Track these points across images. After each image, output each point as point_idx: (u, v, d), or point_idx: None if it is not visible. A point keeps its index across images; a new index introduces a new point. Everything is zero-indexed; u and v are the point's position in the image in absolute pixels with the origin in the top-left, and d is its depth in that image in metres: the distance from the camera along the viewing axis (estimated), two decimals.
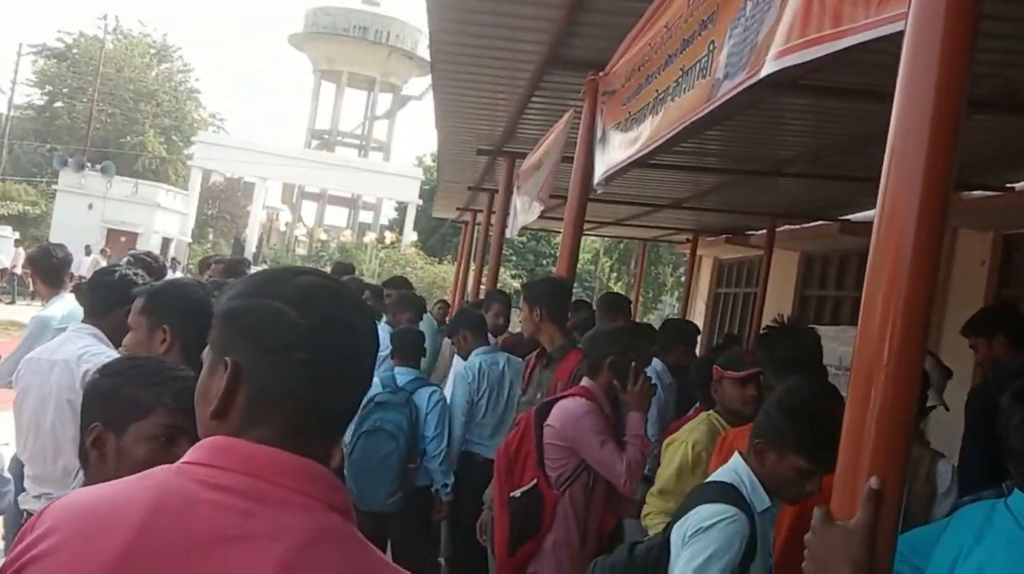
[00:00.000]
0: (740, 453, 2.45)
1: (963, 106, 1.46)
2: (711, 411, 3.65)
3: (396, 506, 4.76)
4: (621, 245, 26.45)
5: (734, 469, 2.41)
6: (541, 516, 3.44)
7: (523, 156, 7.31)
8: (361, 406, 4.75)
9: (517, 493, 3.50)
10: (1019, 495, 1.84)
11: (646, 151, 3.45)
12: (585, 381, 3.59)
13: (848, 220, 9.21)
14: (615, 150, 4.06)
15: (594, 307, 6.56)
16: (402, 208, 42.21)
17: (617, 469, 3.38)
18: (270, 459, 1.14)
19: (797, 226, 10.56)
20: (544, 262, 33.05)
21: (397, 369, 5.07)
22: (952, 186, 1.48)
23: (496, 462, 3.71)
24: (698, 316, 14.83)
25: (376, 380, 4.96)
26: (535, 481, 3.46)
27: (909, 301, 1.46)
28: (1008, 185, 6.98)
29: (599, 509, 3.55)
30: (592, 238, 25.36)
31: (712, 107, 2.57)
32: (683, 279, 16.84)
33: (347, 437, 4.81)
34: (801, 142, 6.43)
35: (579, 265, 29.58)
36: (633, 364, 3.48)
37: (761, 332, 3.24)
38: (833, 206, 9.02)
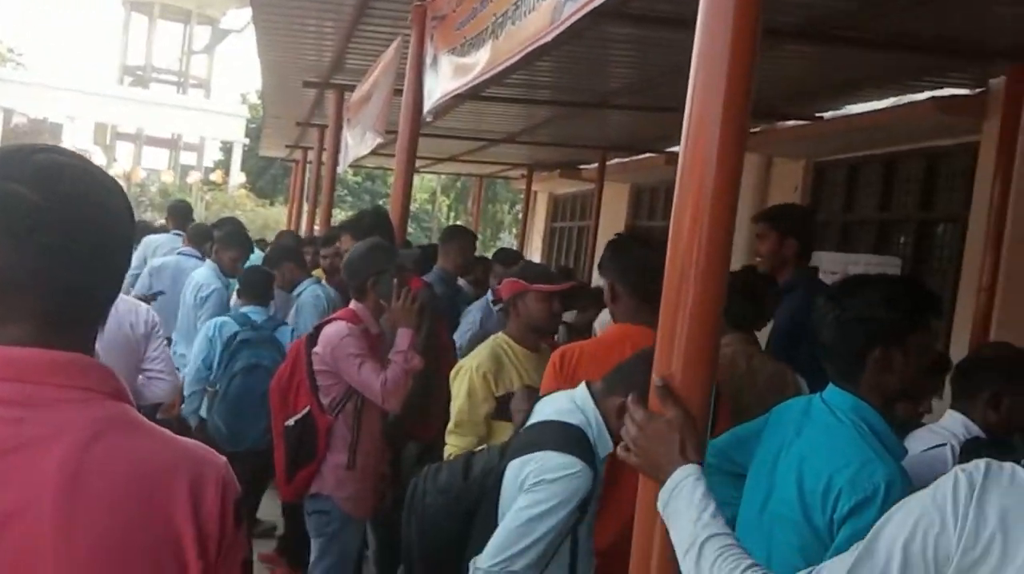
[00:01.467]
0: (589, 385, 2.33)
1: (758, 34, 1.52)
2: (500, 334, 3.53)
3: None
4: (458, 183, 26.43)
5: (581, 408, 2.28)
6: (316, 442, 3.56)
7: (353, 88, 7.11)
8: (224, 345, 4.73)
9: (291, 421, 3.61)
10: (833, 389, 1.99)
11: (488, 76, 3.40)
12: (352, 303, 3.68)
13: (674, 152, 9.55)
14: (450, 78, 3.97)
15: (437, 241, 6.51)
16: (227, 148, 40.43)
17: (374, 388, 3.46)
18: (33, 360, 1.05)
19: (626, 159, 10.85)
20: (381, 202, 32.59)
21: (247, 308, 5.05)
22: (750, 112, 1.55)
23: (270, 393, 3.81)
24: (535, 251, 15.09)
25: (227, 318, 5.00)
26: (308, 408, 3.57)
27: (714, 219, 1.54)
28: (817, 114, 7.40)
29: (373, 430, 3.65)
30: (429, 176, 25.20)
31: (556, 31, 2.49)
32: (520, 216, 17.05)
33: (215, 376, 4.83)
34: (627, 73, 6.56)
35: (416, 204, 29.48)
36: (396, 280, 3.55)
37: (611, 240, 3.14)
38: (660, 138, 9.30)
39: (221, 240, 6.24)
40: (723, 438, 2.32)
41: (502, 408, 3.27)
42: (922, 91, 6.19)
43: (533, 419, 2.39)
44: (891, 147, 7.01)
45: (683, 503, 1.50)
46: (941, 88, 6.07)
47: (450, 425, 3.36)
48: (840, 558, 1.29)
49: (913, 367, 1.91)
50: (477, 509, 2.35)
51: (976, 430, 2.55)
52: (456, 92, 3.93)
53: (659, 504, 1.55)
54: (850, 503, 1.77)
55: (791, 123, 7.71)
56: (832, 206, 7.95)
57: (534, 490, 2.16)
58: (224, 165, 40.23)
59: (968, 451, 2.37)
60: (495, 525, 2.25)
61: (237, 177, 37.84)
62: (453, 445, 3.30)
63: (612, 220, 11.36)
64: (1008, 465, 1.20)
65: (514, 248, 12.27)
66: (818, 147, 7.72)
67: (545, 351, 3.40)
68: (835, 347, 1.99)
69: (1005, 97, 5.09)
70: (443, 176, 24.92)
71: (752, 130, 8.07)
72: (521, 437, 2.38)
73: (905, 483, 1.76)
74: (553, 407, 2.34)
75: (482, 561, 2.18)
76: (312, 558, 3.75)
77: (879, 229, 7.32)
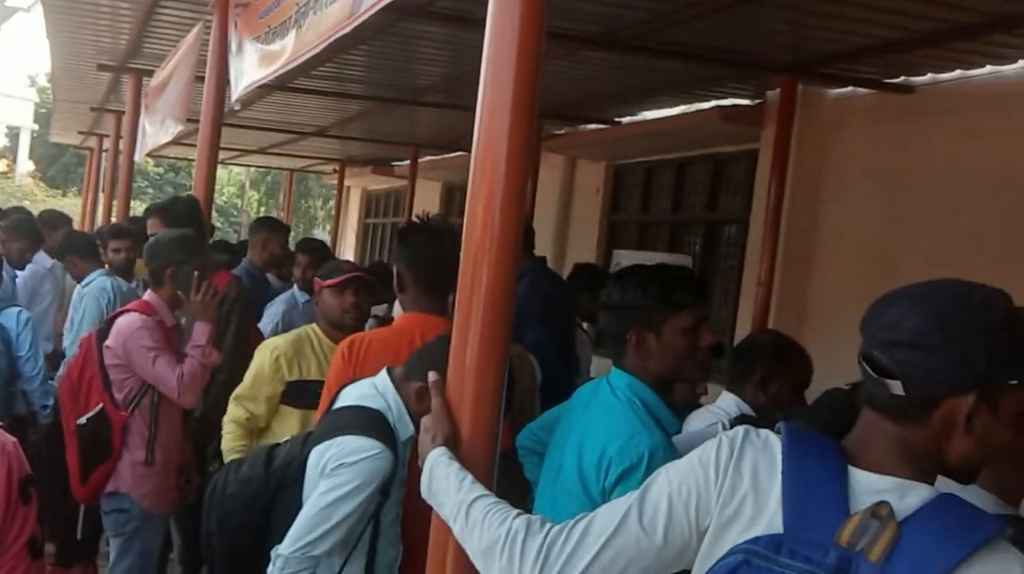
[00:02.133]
0: (390, 371, 2.34)
1: (543, 36, 1.63)
2: (313, 324, 3.58)
3: None
4: (269, 177, 25.68)
5: (382, 393, 2.29)
6: (110, 440, 3.44)
7: (151, 73, 6.81)
8: None
9: (83, 420, 3.47)
10: (614, 369, 2.15)
11: (292, 66, 3.37)
12: (148, 294, 3.59)
13: None
14: (255, 67, 3.90)
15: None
16: (14, 134, 37.38)
17: (169, 383, 3.40)
18: None
19: (438, 156, 10.96)
20: (185, 195, 31.08)
21: None
22: (537, 109, 1.66)
23: (60, 392, 3.66)
24: (348, 247, 14.95)
25: None
26: (100, 405, 3.45)
27: (505, 212, 1.62)
28: (616, 119, 7.78)
29: (172, 424, 3.58)
30: (238, 169, 24.33)
31: (354, 24, 2.50)
32: (333, 212, 16.81)
33: None
34: (437, 71, 6.65)
35: (224, 198, 28.37)
36: (197, 273, 3.48)
37: (401, 229, 3.15)
38: (469, 136, 9.36)
39: (6, 230, 5.85)
40: (536, 421, 2.47)
41: (292, 393, 3.29)
42: (709, 100, 6.66)
43: (335, 406, 2.40)
44: (682, 152, 7.48)
45: (441, 482, 1.57)
46: (725, 98, 6.55)
47: (235, 391, 3.38)
48: (612, 506, 1.39)
49: (671, 349, 2.07)
50: (278, 499, 2.33)
51: (747, 409, 2.80)
52: (263, 81, 3.87)
53: (423, 490, 1.62)
54: (618, 471, 1.92)
55: (593, 127, 8.06)
56: (631, 207, 8.39)
57: (334, 474, 2.17)
58: (11, 152, 37.17)
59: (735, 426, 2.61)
60: (296, 515, 2.23)
61: (25, 165, 35.07)
62: (228, 414, 3.37)
63: None
64: (764, 432, 1.35)
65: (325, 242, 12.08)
66: (617, 150, 8.11)
67: None
68: (605, 331, 2.20)
69: (780, 108, 5.58)
70: (253, 169, 24.15)
71: (556, 132, 8.40)
72: (322, 424, 2.38)
73: (669, 453, 1.90)
74: (355, 393, 2.36)
75: (283, 548, 2.17)
76: (111, 559, 3.59)
77: (672, 229, 7.80)
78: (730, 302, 6.77)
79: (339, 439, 2.20)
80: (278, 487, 2.35)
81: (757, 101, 6.42)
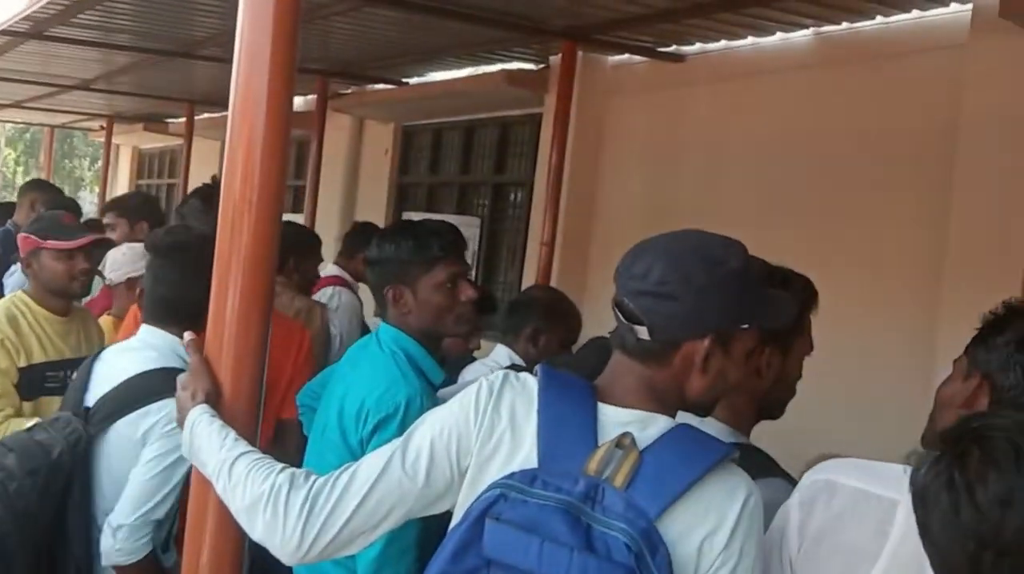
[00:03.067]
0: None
1: None
2: (17, 292, 3.11)
3: None
4: (28, 134, 23.63)
5: (174, 351, 2.20)
6: None
7: None
8: None
9: None
10: (383, 324, 2.15)
11: (33, 10, 3.08)
12: None
13: None
14: None
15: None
16: None
17: None
18: None
19: (217, 114, 10.44)
20: None
21: None
22: (295, 66, 1.61)
23: None
24: None
25: None
26: None
27: (265, 171, 1.57)
28: (404, 80, 7.71)
29: None
30: None
31: None
32: (101, 173, 15.67)
33: None
34: (214, 24, 6.30)
35: None
36: None
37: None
38: None
39: None
40: (315, 378, 2.44)
41: (29, 382, 2.85)
42: (495, 63, 6.73)
43: (120, 376, 2.24)
44: (470, 115, 7.53)
45: (203, 441, 1.52)
46: (511, 62, 6.64)
47: None
48: (375, 454, 1.42)
49: (426, 304, 2.08)
50: (72, 482, 2.18)
51: (519, 361, 2.89)
52: (5, 28, 3.52)
53: (184, 450, 1.57)
54: (375, 420, 1.93)
55: (380, 87, 7.95)
56: (419, 169, 8.38)
57: (165, 438, 2.10)
58: None
59: None
60: (91, 496, 2.15)
61: None
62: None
63: (204, 178, 10.89)
64: (524, 375, 1.43)
65: (94, 211, 11.28)
66: (406, 111, 8.06)
67: (80, 314, 3.10)
68: (371, 287, 2.20)
69: (561, 73, 5.72)
70: (9, 126, 22.08)
71: (343, 92, 8.22)
72: (120, 394, 2.22)
73: (427, 402, 1.93)
74: (140, 357, 2.24)
75: (120, 518, 2.08)
76: None
77: (460, 191, 7.86)
78: (516, 262, 6.93)
79: (160, 403, 2.11)
80: (71, 468, 2.19)
81: (541, 66, 6.56)
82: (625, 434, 1.30)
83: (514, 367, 2.72)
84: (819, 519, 1.35)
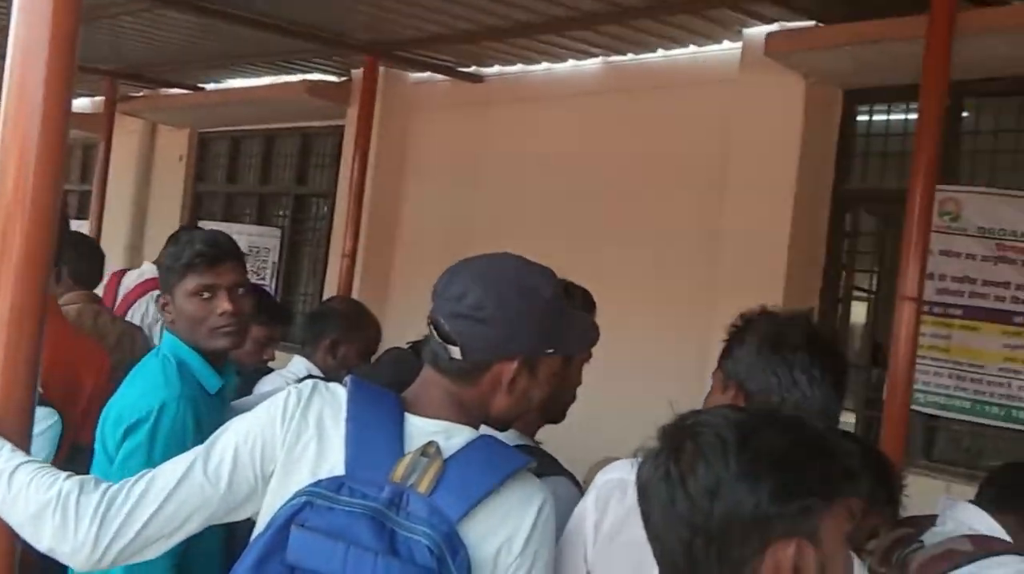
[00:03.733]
0: None
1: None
2: None
3: None
4: None
5: None
6: None
7: None
8: None
9: None
10: (166, 332, 2.11)
11: None
12: None
13: None
14: None
15: None
16: None
17: None
18: None
19: None
20: None
21: None
22: (75, 64, 1.57)
23: None
24: None
25: None
26: None
27: (39, 171, 1.52)
28: (200, 85, 7.46)
29: None
30: None
31: None
32: None
33: None
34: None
35: None
36: None
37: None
38: None
39: None
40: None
41: None
42: (296, 73, 6.65)
43: None
44: (271, 124, 7.40)
45: None
46: (313, 72, 6.59)
47: None
48: (176, 460, 1.41)
49: (182, 313, 2.00)
50: None
51: (316, 372, 2.89)
52: None
53: None
54: (125, 425, 1.87)
55: (175, 91, 7.66)
56: (216, 177, 8.12)
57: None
58: None
59: None
60: None
61: None
62: None
63: None
64: (334, 385, 1.47)
65: None
66: (202, 117, 7.80)
67: None
68: None
69: (363, 87, 5.75)
70: None
71: (134, 95, 7.85)
72: None
73: (186, 407, 1.86)
74: None
75: None
76: None
77: (260, 201, 7.69)
78: (318, 274, 6.86)
79: None
80: None
81: (343, 78, 6.54)
82: (431, 443, 1.36)
83: (311, 378, 2.73)
84: (612, 516, 1.46)
